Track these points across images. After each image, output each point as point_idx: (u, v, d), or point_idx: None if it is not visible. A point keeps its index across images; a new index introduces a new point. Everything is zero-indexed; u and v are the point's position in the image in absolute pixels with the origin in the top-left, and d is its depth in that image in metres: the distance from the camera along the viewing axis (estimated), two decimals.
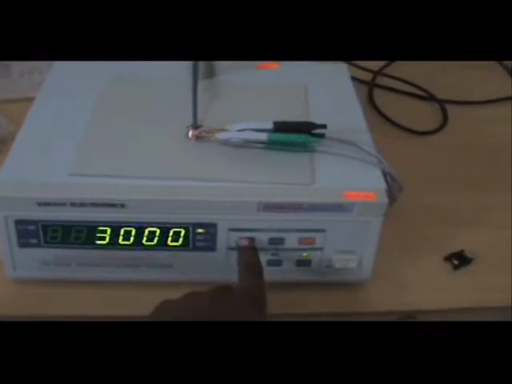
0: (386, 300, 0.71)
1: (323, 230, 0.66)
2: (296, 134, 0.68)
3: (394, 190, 0.70)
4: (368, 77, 1.04)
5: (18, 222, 0.65)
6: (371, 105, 0.99)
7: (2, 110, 0.92)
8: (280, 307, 0.68)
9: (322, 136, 0.68)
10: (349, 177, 0.66)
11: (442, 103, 1.00)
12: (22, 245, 0.66)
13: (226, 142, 0.68)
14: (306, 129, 0.69)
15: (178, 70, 0.78)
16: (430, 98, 1.02)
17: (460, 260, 0.74)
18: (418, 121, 0.95)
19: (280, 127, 0.68)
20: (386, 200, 0.64)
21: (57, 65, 0.83)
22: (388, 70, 1.07)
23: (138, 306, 0.66)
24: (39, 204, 0.63)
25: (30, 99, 0.76)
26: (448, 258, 0.75)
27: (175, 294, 0.67)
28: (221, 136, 0.68)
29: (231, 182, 0.65)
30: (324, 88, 0.80)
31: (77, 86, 0.78)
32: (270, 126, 0.68)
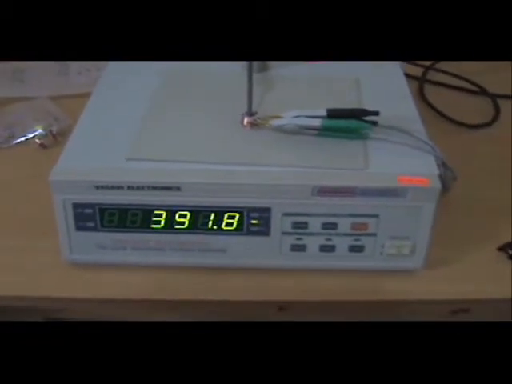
0: (439, 289, 0.70)
1: (376, 216, 0.66)
2: (349, 120, 0.68)
3: (447, 178, 0.70)
4: (419, 72, 1.04)
5: (75, 206, 0.66)
6: (422, 100, 0.99)
7: (62, 105, 0.94)
8: (332, 294, 0.69)
9: (374, 123, 0.69)
10: (402, 163, 0.66)
11: (493, 97, 0.99)
12: (79, 228, 0.67)
13: (280, 129, 0.69)
14: (359, 115, 0.69)
15: (228, 66, 0.79)
16: (482, 92, 1.01)
17: None
18: (470, 115, 0.95)
19: (333, 114, 0.69)
20: (439, 185, 0.64)
21: (112, 62, 0.85)
22: (439, 65, 1.06)
23: (191, 290, 0.68)
24: (97, 187, 0.65)
25: (88, 95, 0.78)
26: (502, 248, 0.74)
27: (228, 280, 0.69)
28: (275, 123, 0.69)
29: (285, 167, 0.65)
30: (376, 81, 0.81)
31: (132, 81, 0.80)
32: (323, 112, 0.69)
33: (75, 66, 1.03)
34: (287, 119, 0.69)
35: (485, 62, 0.99)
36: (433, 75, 1.05)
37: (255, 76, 0.71)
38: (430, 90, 1.01)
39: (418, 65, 1.05)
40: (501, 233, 0.75)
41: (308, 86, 0.79)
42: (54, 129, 0.89)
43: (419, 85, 1.02)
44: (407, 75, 0.92)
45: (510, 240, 0.74)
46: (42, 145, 0.88)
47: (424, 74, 1.04)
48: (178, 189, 0.64)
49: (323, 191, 0.64)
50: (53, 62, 1.04)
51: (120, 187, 0.64)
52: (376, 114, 0.69)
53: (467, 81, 1.03)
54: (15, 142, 0.89)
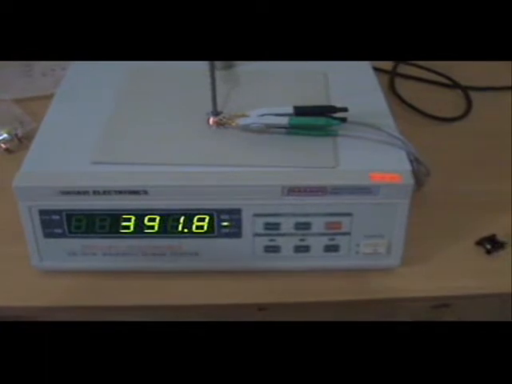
0: (418, 286, 0.69)
1: (350, 214, 0.65)
2: (317, 118, 0.67)
3: (420, 174, 0.70)
4: (389, 66, 1.03)
5: (42, 212, 0.65)
6: (393, 94, 0.98)
7: (27, 108, 0.92)
8: (309, 295, 0.68)
9: (343, 120, 0.68)
10: (373, 159, 0.65)
11: (465, 90, 0.99)
12: (47, 235, 0.66)
13: (246, 128, 0.68)
14: (327, 112, 0.68)
15: (193, 63, 0.77)
16: (454, 85, 1.00)
17: (492, 244, 0.73)
18: (442, 108, 0.94)
19: (300, 111, 0.68)
20: (411, 181, 0.63)
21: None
22: None
23: (164, 295, 0.67)
24: (62, 193, 0.63)
25: (53, 96, 0.77)
26: (480, 243, 0.73)
27: (201, 284, 0.67)
28: (241, 122, 0.68)
29: (254, 167, 0.64)
30: (344, 75, 0.79)
31: (96, 81, 0.79)
32: (290, 110, 0.68)
33: (39, 66, 1.01)
34: (254, 118, 0.67)
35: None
36: (403, 69, 1.04)
37: (221, 73, 0.70)
38: (401, 84, 1.01)
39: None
40: (478, 227, 0.75)
41: (275, 82, 0.78)
42: (20, 132, 0.87)
43: (390, 79, 1.01)
44: (377, 69, 0.92)
45: (487, 234, 0.74)
46: (7, 149, 0.86)
47: (394, 67, 1.03)
48: (146, 192, 0.63)
49: (294, 191, 0.63)
50: (16, 64, 1.02)
51: (86, 192, 0.63)
52: (345, 110, 0.68)
53: (439, 74, 1.02)
54: None
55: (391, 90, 0.99)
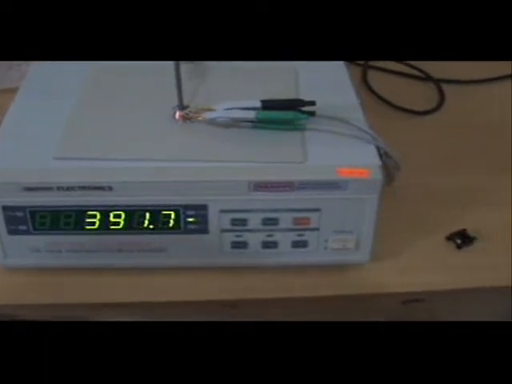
0: (388, 282, 0.69)
1: (318, 210, 0.65)
2: (285, 112, 0.67)
3: (390, 168, 0.69)
4: None
5: (5, 209, 0.64)
6: (366, 86, 0.98)
7: None
8: (278, 291, 0.67)
9: (312, 114, 0.67)
10: (342, 154, 0.65)
11: (438, 82, 0.98)
12: (11, 232, 0.65)
13: (213, 122, 0.67)
14: (295, 106, 0.67)
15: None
16: (426, 77, 1.00)
17: (463, 239, 0.72)
18: (415, 101, 0.94)
19: (268, 105, 0.67)
20: (380, 176, 0.63)
21: None
22: None
23: (130, 292, 0.66)
24: (26, 189, 0.62)
25: (17, 89, 0.76)
26: (450, 238, 0.73)
27: (169, 280, 0.67)
28: (208, 116, 0.67)
29: (220, 162, 0.63)
30: (314, 69, 0.78)
31: (60, 76, 0.77)
32: (257, 104, 0.67)
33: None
34: (220, 112, 0.67)
35: None
36: (376, 61, 1.03)
37: (187, 66, 0.70)
38: (373, 77, 1.00)
39: None
40: (448, 222, 0.74)
41: (243, 75, 0.77)
42: None
43: (362, 71, 1.01)
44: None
45: (458, 229, 0.73)
46: None
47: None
48: (110, 188, 0.62)
49: (261, 186, 0.62)
50: None
51: (49, 188, 0.62)
52: (312, 103, 0.67)
53: (411, 66, 1.02)
54: None
55: (364, 83, 0.98)
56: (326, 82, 0.76)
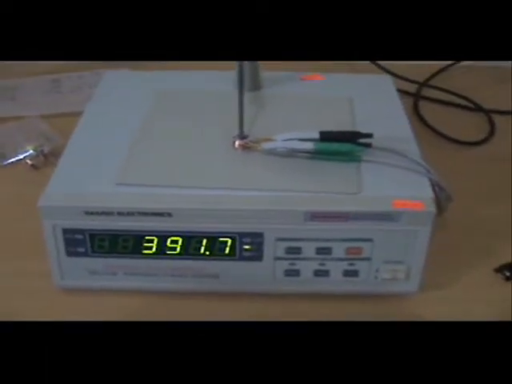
0: (436, 312, 0.69)
1: (370, 240, 0.65)
2: (342, 143, 0.68)
3: (442, 200, 0.69)
4: (413, 88, 1.04)
5: (65, 231, 0.65)
6: (417, 116, 0.98)
7: (54, 124, 0.94)
8: (323, 317, 0.68)
9: (368, 145, 0.68)
10: (396, 186, 0.66)
11: (488, 113, 0.98)
12: (70, 254, 0.66)
13: (271, 152, 0.68)
14: (352, 138, 0.68)
15: (221, 83, 0.79)
16: (477, 108, 1.00)
17: None
18: (465, 132, 0.94)
19: (326, 136, 0.68)
20: (434, 209, 0.63)
21: (104, 80, 0.85)
22: (433, 82, 1.06)
23: (183, 316, 0.67)
24: (87, 213, 0.64)
25: (80, 113, 0.78)
26: (499, 270, 0.73)
27: (221, 305, 0.68)
28: (267, 146, 0.68)
29: (277, 191, 0.64)
30: (369, 99, 0.80)
31: (123, 100, 0.80)
32: (315, 135, 0.68)
33: (67, 83, 1.02)
34: (279, 142, 0.68)
35: (480, 77, 0.98)
36: (427, 91, 1.04)
37: (247, 95, 0.70)
38: (424, 107, 1.01)
39: (412, 81, 1.04)
40: (498, 254, 0.74)
41: (301, 105, 0.78)
42: (46, 149, 0.88)
43: (414, 101, 1.01)
44: (401, 91, 0.92)
45: (508, 261, 0.73)
46: (33, 165, 0.87)
47: (418, 90, 1.04)
48: (169, 215, 0.63)
49: (316, 216, 0.63)
50: (45, 80, 1.03)
51: (110, 213, 0.63)
52: (369, 136, 0.68)
53: (462, 97, 1.02)
54: (6, 162, 0.88)
55: (415, 113, 0.99)
56: (380, 112, 0.77)
